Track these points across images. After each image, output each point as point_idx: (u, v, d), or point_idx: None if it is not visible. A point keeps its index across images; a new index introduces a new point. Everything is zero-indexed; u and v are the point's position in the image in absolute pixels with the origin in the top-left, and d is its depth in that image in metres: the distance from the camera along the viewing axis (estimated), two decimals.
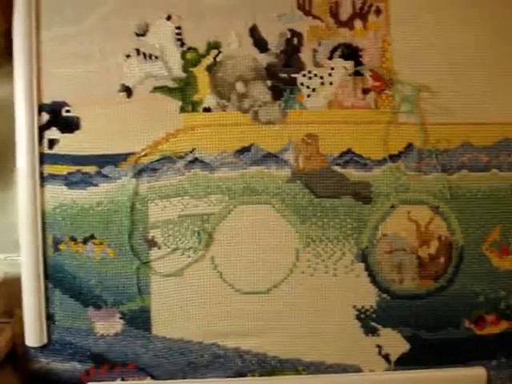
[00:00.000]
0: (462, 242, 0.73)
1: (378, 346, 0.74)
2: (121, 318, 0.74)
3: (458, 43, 0.72)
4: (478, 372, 0.75)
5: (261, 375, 0.74)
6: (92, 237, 0.73)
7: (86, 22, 0.73)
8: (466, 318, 0.74)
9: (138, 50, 0.72)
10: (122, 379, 0.75)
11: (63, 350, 0.75)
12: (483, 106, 0.73)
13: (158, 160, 0.72)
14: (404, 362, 0.74)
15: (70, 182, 0.73)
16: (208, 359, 0.74)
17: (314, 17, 0.72)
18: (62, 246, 0.74)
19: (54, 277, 0.74)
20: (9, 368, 0.75)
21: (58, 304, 0.74)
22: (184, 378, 0.74)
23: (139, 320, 0.73)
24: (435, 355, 0.74)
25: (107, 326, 0.74)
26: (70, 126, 0.73)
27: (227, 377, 0.74)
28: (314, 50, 0.72)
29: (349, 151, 0.72)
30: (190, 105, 0.72)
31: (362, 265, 0.73)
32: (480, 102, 0.73)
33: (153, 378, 0.75)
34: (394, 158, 0.72)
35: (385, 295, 0.73)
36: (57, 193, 0.73)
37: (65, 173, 0.73)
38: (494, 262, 0.74)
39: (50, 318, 0.74)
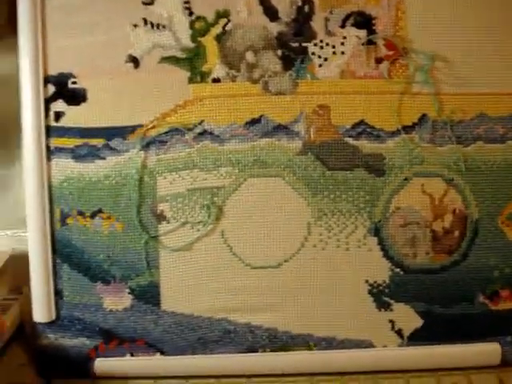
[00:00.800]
0: (476, 215, 0.72)
1: (391, 322, 0.73)
2: (129, 293, 0.73)
3: (472, 12, 0.70)
4: (493, 348, 0.73)
5: (272, 351, 0.73)
6: (100, 211, 0.72)
7: None
8: (480, 293, 0.73)
9: (145, 20, 0.70)
10: (131, 355, 0.74)
11: (71, 326, 0.74)
12: (499, 76, 0.71)
13: (166, 132, 0.71)
14: (417, 338, 0.73)
15: (77, 155, 0.72)
16: (218, 335, 0.73)
17: None
18: (69, 221, 0.72)
19: (61, 252, 0.73)
20: (17, 344, 0.75)
21: (66, 279, 0.73)
22: (194, 354, 0.74)
23: (148, 295, 0.72)
24: (449, 331, 0.73)
25: (116, 301, 0.73)
26: (76, 98, 0.71)
27: (238, 352, 0.73)
28: (326, 19, 0.70)
29: (361, 122, 0.70)
30: (198, 75, 0.70)
31: (375, 239, 0.71)
32: (496, 72, 0.71)
33: (162, 353, 0.74)
34: (407, 129, 0.70)
35: (398, 270, 0.72)
36: (64, 166, 0.72)
37: (72, 146, 0.72)
38: (510, 235, 0.72)
39: (58, 293, 0.73)
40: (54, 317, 0.73)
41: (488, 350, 0.74)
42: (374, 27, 0.70)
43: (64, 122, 0.72)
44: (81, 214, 0.72)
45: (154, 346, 0.74)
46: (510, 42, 0.71)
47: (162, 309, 0.73)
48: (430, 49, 0.70)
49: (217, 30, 0.70)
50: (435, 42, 0.70)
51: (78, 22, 0.71)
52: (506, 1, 0.71)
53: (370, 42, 0.70)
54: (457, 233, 0.72)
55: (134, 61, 0.71)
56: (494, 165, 0.71)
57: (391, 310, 0.73)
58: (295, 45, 0.70)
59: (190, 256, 0.72)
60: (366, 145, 0.70)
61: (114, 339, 0.74)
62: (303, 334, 0.73)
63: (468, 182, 0.71)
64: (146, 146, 0.71)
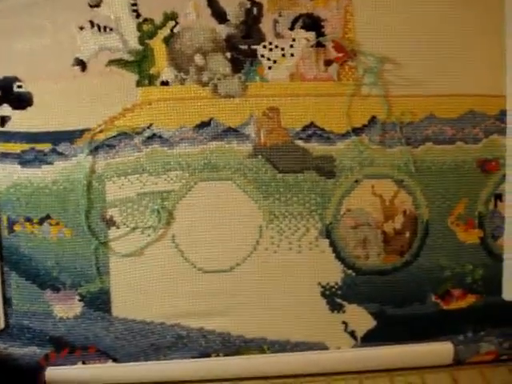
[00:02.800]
0: (427, 216, 0.72)
1: (344, 323, 0.73)
2: (80, 300, 0.71)
3: (421, 14, 0.71)
4: (445, 347, 0.74)
5: (225, 355, 0.73)
6: (48, 217, 0.70)
7: None
8: (432, 292, 0.73)
9: (91, 22, 0.69)
10: (83, 363, 0.73)
11: (21, 335, 0.72)
12: (448, 77, 0.71)
13: (114, 136, 0.70)
14: (370, 339, 0.73)
15: (23, 160, 0.70)
16: (171, 340, 0.72)
17: None
18: (16, 227, 0.71)
19: (9, 259, 0.71)
20: None
21: (15, 287, 0.72)
22: (146, 360, 0.73)
23: (99, 302, 0.71)
24: (402, 331, 0.74)
25: (66, 308, 0.72)
26: (22, 102, 0.70)
27: (191, 357, 0.73)
28: (275, 21, 0.70)
29: (311, 125, 0.70)
30: (146, 78, 0.69)
31: (327, 241, 0.71)
32: (445, 73, 0.71)
33: (114, 360, 0.73)
34: (357, 131, 0.71)
35: (350, 271, 0.72)
36: (10, 172, 0.70)
37: (18, 151, 0.70)
38: (460, 235, 0.73)
39: (6, 302, 0.72)
40: (2, 325, 0.72)
41: (441, 349, 0.74)
42: (322, 29, 0.70)
43: (10, 127, 0.70)
44: (28, 220, 0.71)
45: (105, 354, 0.73)
46: (459, 44, 0.71)
47: (113, 315, 0.72)
48: (378, 51, 0.70)
49: (165, 32, 0.69)
50: (384, 44, 0.70)
51: (23, 24, 0.70)
52: (455, 3, 0.71)
53: (319, 45, 0.70)
54: (408, 234, 0.72)
55: (81, 64, 0.69)
56: (444, 166, 0.72)
57: (344, 312, 0.73)
58: (244, 47, 0.70)
59: (140, 261, 0.71)
60: (316, 147, 0.70)
61: (65, 347, 0.73)
62: (257, 338, 0.73)
63: (418, 183, 0.72)
64: (94, 151, 0.70)
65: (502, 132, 0.72)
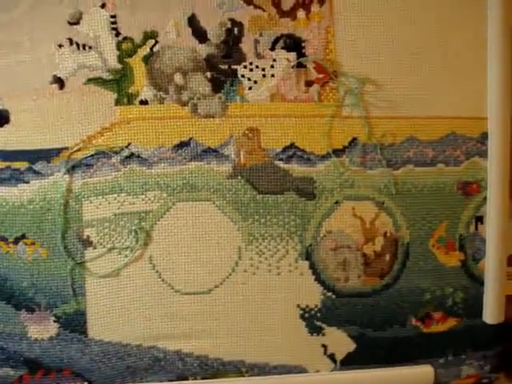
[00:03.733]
0: (407, 238, 0.72)
1: (324, 346, 0.72)
2: (55, 322, 0.70)
3: (403, 35, 0.70)
4: (426, 370, 0.73)
5: (203, 378, 0.72)
6: (23, 236, 0.69)
7: (15, 10, 0.69)
8: (412, 315, 0.73)
9: (70, 40, 0.68)
10: None
11: None
12: (429, 99, 0.71)
13: (92, 155, 0.69)
14: (350, 362, 0.73)
15: None
16: (147, 363, 0.71)
17: (256, 6, 0.69)
18: None
19: None
20: None
21: None
22: (123, 383, 0.71)
23: (74, 323, 0.70)
24: (382, 354, 0.73)
25: (41, 329, 0.70)
26: None
27: (168, 380, 0.71)
28: (256, 41, 0.69)
29: (292, 146, 0.70)
30: (125, 97, 0.69)
31: (306, 263, 0.71)
32: (426, 95, 0.71)
33: (90, 383, 0.71)
34: (338, 152, 0.70)
35: (330, 294, 0.71)
36: None
37: None
38: (441, 258, 0.73)
39: None
40: None
41: (421, 373, 0.74)
42: (303, 50, 0.70)
43: None
44: (3, 239, 0.69)
45: (81, 376, 0.71)
46: (440, 65, 0.71)
47: (89, 337, 0.70)
48: (359, 72, 0.70)
49: (144, 51, 0.69)
50: (365, 65, 0.70)
51: (0, 41, 0.69)
52: (437, 25, 0.71)
53: (300, 65, 0.69)
54: (388, 256, 0.72)
55: (59, 82, 0.69)
56: (425, 188, 0.72)
57: (323, 335, 0.72)
58: (224, 67, 0.69)
59: (117, 282, 0.70)
60: (296, 168, 0.70)
61: (40, 369, 0.71)
62: (235, 361, 0.72)
63: (399, 206, 0.71)
64: (72, 170, 0.69)
65: (483, 154, 0.72)
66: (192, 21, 0.69)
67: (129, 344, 0.71)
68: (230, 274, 0.70)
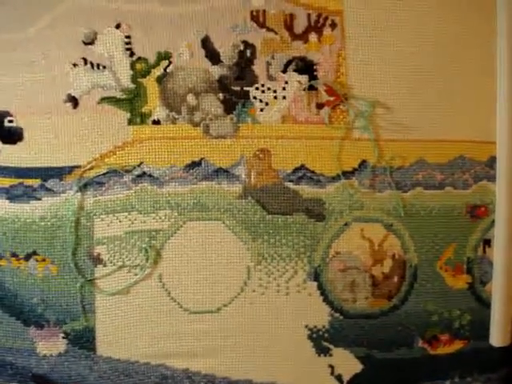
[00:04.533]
0: (415, 260, 0.72)
1: (331, 367, 0.72)
2: (64, 338, 0.71)
3: (413, 59, 0.71)
4: None
5: None
6: (34, 253, 0.70)
7: (31, 29, 0.70)
8: (419, 337, 0.73)
9: (85, 59, 0.69)
10: None
11: (3, 371, 0.71)
12: (439, 122, 0.72)
13: (104, 174, 0.69)
14: (357, 383, 0.73)
15: (12, 195, 0.70)
16: (155, 381, 0.71)
17: (268, 29, 0.70)
18: (2, 262, 0.70)
19: None
20: None
21: None
22: None
23: (83, 340, 0.70)
24: (388, 375, 0.73)
25: (50, 346, 0.71)
26: (12, 136, 0.70)
27: None
28: (268, 63, 0.70)
29: (302, 167, 0.70)
30: (138, 117, 0.69)
31: (315, 283, 0.71)
32: (435, 118, 0.72)
33: None
34: (347, 174, 0.71)
35: (337, 314, 0.72)
36: None
37: (7, 186, 0.70)
38: (448, 280, 0.73)
39: None
40: None
41: None
42: (315, 73, 0.70)
43: None
44: (14, 255, 0.70)
45: None
46: (449, 89, 0.72)
47: (97, 354, 0.71)
48: (370, 95, 0.70)
49: (158, 71, 0.70)
50: (376, 88, 0.71)
51: (15, 59, 0.70)
52: (446, 48, 0.72)
53: (311, 88, 0.70)
54: (396, 278, 0.72)
55: (73, 100, 0.69)
56: (433, 211, 0.72)
57: (331, 355, 0.72)
58: (237, 88, 0.70)
59: (126, 300, 0.70)
60: (306, 189, 0.70)
61: None
62: (242, 380, 0.72)
63: (407, 228, 0.72)
64: (84, 188, 0.69)
65: (492, 178, 0.73)
66: (205, 42, 0.70)
67: (137, 361, 0.71)
68: (239, 294, 0.71)
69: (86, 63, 0.69)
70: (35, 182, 0.70)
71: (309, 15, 0.70)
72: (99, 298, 0.70)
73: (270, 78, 0.70)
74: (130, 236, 0.70)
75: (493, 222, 0.73)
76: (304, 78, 0.70)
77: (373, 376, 0.73)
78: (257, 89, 0.70)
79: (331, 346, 0.72)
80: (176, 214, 0.70)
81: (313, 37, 0.70)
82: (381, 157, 0.71)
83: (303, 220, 0.70)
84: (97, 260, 0.70)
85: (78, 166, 0.69)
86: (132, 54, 0.70)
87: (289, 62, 0.70)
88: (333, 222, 0.71)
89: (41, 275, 0.70)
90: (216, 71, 0.70)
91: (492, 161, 0.72)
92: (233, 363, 0.72)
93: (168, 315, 0.70)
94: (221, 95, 0.70)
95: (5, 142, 0.70)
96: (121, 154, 0.69)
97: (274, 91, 0.70)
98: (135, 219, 0.70)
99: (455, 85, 0.72)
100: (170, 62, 0.70)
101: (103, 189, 0.69)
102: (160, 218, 0.70)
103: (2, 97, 0.70)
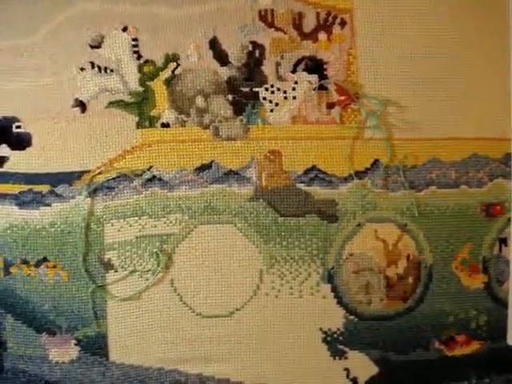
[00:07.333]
0: (430, 260, 0.71)
1: (346, 370, 0.71)
2: (76, 345, 0.70)
3: (425, 56, 0.70)
4: None
5: None
6: (45, 259, 0.69)
7: (38, 34, 0.69)
8: (435, 338, 0.72)
9: (92, 63, 0.69)
10: None
11: (16, 379, 0.71)
12: (451, 120, 0.71)
13: (113, 178, 0.69)
14: None
15: (21, 201, 0.69)
16: None
17: (277, 29, 0.69)
18: (13, 270, 0.70)
19: (4, 302, 0.70)
20: None
21: (10, 330, 0.70)
22: None
23: (96, 346, 0.70)
24: (405, 377, 0.72)
25: (62, 352, 0.70)
26: (20, 142, 0.69)
27: None
28: (277, 63, 0.69)
29: (313, 168, 0.69)
30: (147, 120, 0.69)
31: (329, 286, 0.70)
32: (448, 116, 0.71)
33: None
34: (360, 174, 0.70)
35: (352, 317, 0.71)
36: (7, 213, 0.69)
37: (16, 192, 0.69)
38: (464, 280, 0.72)
39: (1, 345, 0.70)
40: None
41: None
42: (325, 72, 0.69)
43: (8, 167, 0.69)
44: (25, 262, 0.69)
45: None
46: (461, 87, 0.71)
47: (110, 360, 0.70)
48: (381, 94, 0.69)
49: (166, 74, 0.69)
50: (387, 87, 0.70)
51: (23, 64, 0.69)
52: (459, 47, 0.71)
53: (321, 87, 0.69)
54: (411, 279, 0.71)
55: (81, 105, 0.69)
56: (448, 210, 0.71)
57: (346, 358, 0.71)
58: (246, 90, 0.69)
59: (138, 305, 0.69)
60: (318, 191, 0.69)
61: None
62: None
63: (421, 228, 0.71)
64: (93, 193, 0.69)
65: (507, 176, 0.71)
66: (213, 44, 0.69)
67: (150, 367, 0.70)
68: (252, 297, 0.70)
69: (93, 67, 0.69)
70: (44, 188, 0.69)
71: (318, 14, 0.69)
72: (111, 304, 0.69)
73: (280, 78, 0.69)
74: (140, 241, 0.69)
75: (509, 220, 0.71)
76: (314, 78, 0.69)
77: (389, 378, 0.72)
78: (266, 89, 0.69)
79: (346, 349, 0.71)
80: (187, 217, 0.69)
81: (322, 36, 0.69)
82: (393, 156, 0.70)
83: (316, 222, 0.69)
84: (108, 265, 0.69)
85: (87, 171, 0.69)
86: (139, 57, 0.69)
87: (298, 62, 0.69)
88: (346, 223, 0.70)
89: (52, 282, 0.69)
90: (225, 72, 0.69)
91: (507, 158, 0.71)
92: (247, 367, 0.71)
93: (180, 320, 0.70)
94: (230, 97, 0.69)
95: (13, 148, 0.69)
96: (130, 158, 0.69)
97: (284, 91, 0.69)
98: (146, 224, 0.69)
99: (468, 82, 0.71)
100: (178, 64, 0.69)
101: (113, 193, 0.69)
102: (171, 222, 0.69)
103: (9, 102, 0.69)
